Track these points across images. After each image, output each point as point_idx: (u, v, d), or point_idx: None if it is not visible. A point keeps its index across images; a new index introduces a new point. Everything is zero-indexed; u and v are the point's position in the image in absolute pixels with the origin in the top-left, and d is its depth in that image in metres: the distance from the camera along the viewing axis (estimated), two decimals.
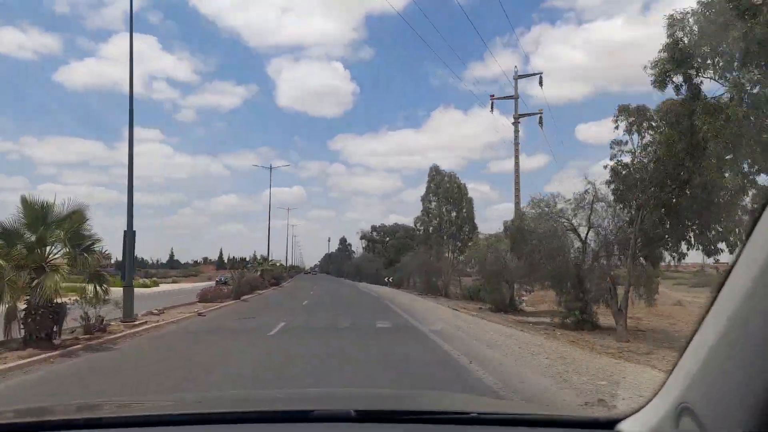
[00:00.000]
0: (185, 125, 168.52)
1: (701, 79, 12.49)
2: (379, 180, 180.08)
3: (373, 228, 79.42)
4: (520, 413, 1.83)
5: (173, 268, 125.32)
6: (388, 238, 72.88)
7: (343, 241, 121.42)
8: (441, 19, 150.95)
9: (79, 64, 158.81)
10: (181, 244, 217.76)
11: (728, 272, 1.00)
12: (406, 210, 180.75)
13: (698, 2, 11.91)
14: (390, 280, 52.79)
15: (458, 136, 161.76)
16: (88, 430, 1.57)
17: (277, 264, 60.28)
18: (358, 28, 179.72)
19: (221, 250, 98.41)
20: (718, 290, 1.03)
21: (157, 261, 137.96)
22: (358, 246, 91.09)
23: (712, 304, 1.04)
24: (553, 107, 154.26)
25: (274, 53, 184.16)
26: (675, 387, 1.15)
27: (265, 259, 52.32)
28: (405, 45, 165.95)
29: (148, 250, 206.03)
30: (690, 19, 12.09)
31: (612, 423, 1.46)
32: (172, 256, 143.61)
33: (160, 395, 5.44)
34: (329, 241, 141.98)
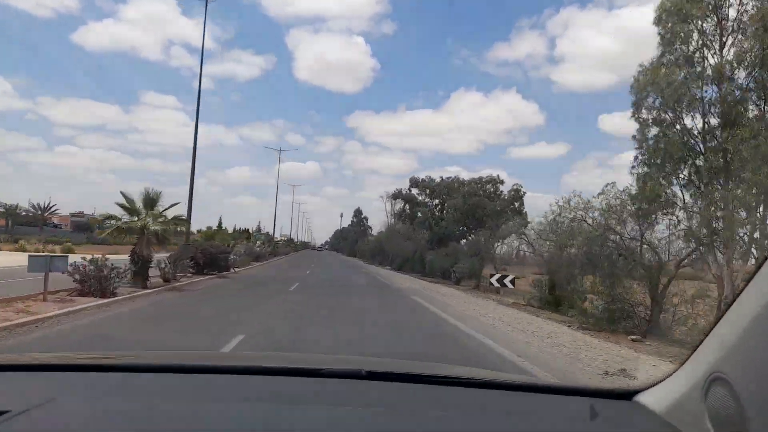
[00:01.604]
0: (202, 94, 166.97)
1: None
2: (395, 159, 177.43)
3: (416, 183, 47.91)
4: (533, 382, 1.84)
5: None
6: (442, 199, 44.53)
7: (357, 213, 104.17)
8: None
9: (98, 25, 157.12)
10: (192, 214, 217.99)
11: None
12: None
13: None
14: (454, 271, 29.80)
15: (477, 119, 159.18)
16: (100, 373, 1.65)
17: (252, 242, 52.21)
18: (381, 1, 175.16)
19: (220, 219, 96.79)
20: (762, 262, 1.01)
21: None
22: (377, 218, 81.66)
23: (756, 272, 1.02)
24: (576, 95, 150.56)
25: (293, 23, 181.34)
26: (706, 357, 1.13)
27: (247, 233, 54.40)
28: (428, 22, 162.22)
29: None
30: None
31: (630, 394, 1.45)
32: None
33: (177, 351, 5.65)
34: (341, 216, 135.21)
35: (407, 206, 50.06)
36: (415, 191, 48.32)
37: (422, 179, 47.25)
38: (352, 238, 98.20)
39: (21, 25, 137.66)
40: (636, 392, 1.44)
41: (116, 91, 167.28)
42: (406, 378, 1.67)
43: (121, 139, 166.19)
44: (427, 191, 46.59)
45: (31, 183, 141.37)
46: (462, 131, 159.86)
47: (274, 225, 68.40)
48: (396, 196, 52.18)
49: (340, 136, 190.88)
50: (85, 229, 70.21)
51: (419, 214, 46.24)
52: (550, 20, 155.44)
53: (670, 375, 1.31)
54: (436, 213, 44.58)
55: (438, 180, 45.87)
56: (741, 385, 0.98)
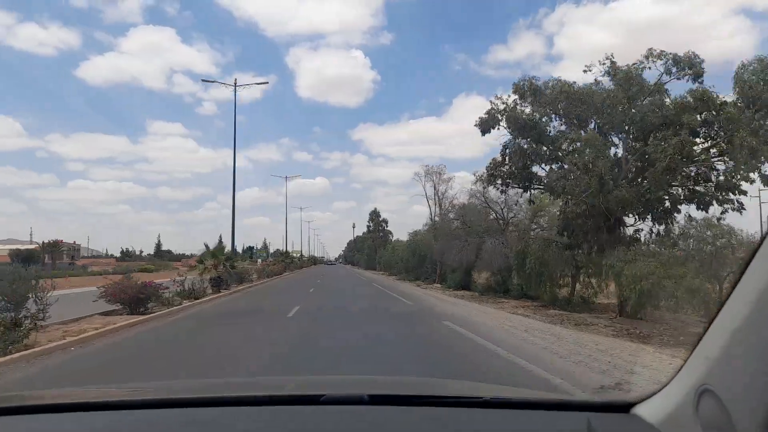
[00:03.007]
0: (207, 119, 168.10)
1: None
2: (401, 169, 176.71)
3: (535, 90, 18.15)
4: (533, 398, 1.80)
5: (162, 258, 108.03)
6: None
7: (374, 216, 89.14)
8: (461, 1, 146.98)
9: (100, 59, 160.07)
10: (206, 237, 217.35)
11: (754, 252, 0.99)
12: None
13: None
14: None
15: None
16: (97, 412, 1.63)
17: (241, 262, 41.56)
18: (377, 14, 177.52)
19: (220, 237, 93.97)
20: (743, 271, 1.01)
21: (141, 252, 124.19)
22: (398, 221, 65.57)
23: (736, 284, 1.02)
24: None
25: (292, 42, 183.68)
26: (695, 370, 1.14)
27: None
28: (425, 30, 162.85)
29: (174, 243, 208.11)
30: None
31: (627, 406, 1.46)
32: (159, 245, 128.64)
33: (164, 381, 5.52)
34: (354, 227, 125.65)
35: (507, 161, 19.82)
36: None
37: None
38: (370, 247, 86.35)
39: (25, 65, 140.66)
40: (632, 404, 1.44)
41: (122, 123, 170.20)
42: (407, 401, 1.67)
43: (131, 170, 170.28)
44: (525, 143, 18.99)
45: (46, 219, 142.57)
46: (466, 136, 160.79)
47: (285, 243, 68.20)
48: (487, 123, 19.57)
49: (346, 150, 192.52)
50: None
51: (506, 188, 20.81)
52: (546, 19, 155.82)
53: (665, 386, 1.30)
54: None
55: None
56: (728, 398, 0.99)
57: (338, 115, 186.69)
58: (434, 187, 41.60)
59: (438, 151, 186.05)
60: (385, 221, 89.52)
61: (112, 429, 1.49)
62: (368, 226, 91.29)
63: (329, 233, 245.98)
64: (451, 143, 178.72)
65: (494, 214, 27.36)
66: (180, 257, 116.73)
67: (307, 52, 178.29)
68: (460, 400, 1.68)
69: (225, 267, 24.68)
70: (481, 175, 22.64)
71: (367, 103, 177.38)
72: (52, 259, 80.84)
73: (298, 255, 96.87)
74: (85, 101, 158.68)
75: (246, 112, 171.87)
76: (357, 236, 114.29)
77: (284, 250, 68.44)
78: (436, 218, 39.43)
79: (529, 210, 25.14)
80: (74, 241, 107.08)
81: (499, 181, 20.49)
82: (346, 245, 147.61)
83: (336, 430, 1.44)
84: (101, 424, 1.51)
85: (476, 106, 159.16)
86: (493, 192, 24.55)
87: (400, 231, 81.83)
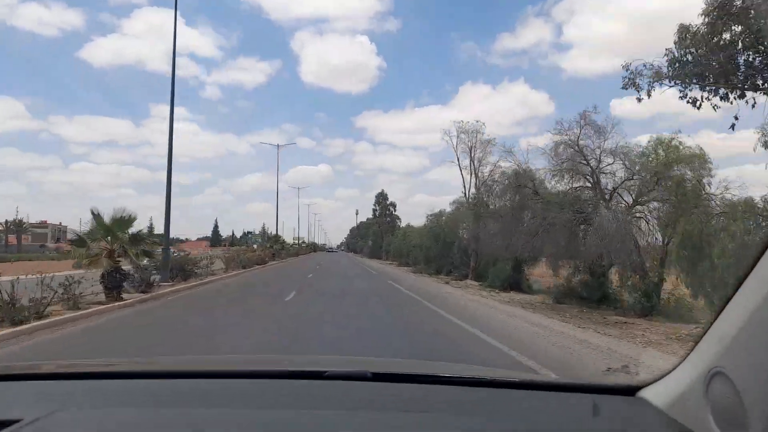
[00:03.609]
0: (210, 103, 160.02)
1: None
2: (405, 157, 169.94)
3: None
4: (538, 380, 1.80)
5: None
6: None
7: (381, 198, 79.79)
8: None
9: (103, 40, 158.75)
10: (206, 224, 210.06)
11: None
12: (433, 189, 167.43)
13: None
14: None
15: (487, 112, 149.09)
16: (106, 380, 1.69)
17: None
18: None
19: (216, 222, 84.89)
20: (762, 250, 0.99)
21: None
22: (406, 208, 59.79)
23: (753, 266, 1.00)
24: (587, 81, 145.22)
25: (297, 26, 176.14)
26: (707, 352, 1.12)
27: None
28: (432, 17, 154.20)
29: (175, 227, 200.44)
30: None
31: (633, 390, 1.44)
32: (151, 228, 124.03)
33: (179, 356, 5.36)
34: (357, 213, 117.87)
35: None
36: None
37: None
38: (375, 233, 76.45)
39: (28, 45, 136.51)
40: (639, 388, 1.43)
41: (126, 106, 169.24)
42: (411, 379, 1.66)
43: (134, 153, 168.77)
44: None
45: (48, 201, 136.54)
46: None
47: (277, 227, 60.90)
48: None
49: (350, 137, 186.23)
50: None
51: None
52: (555, 7, 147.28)
53: (673, 370, 1.29)
54: None
55: None
56: (741, 380, 0.97)
57: (342, 101, 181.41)
58: (470, 152, 29.82)
59: (443, 140, 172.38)
60: (393, 205, 78.60)
61: (126, 393, 1.53)
62: (374, 210, 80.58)
63: (332, 221, 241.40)
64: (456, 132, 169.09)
65: (588, 177, 16.50)
66: (177, 241, 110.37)
67: (311, 37, 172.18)
68: (465, 380, 1.67)
69: (132, 254, 14.16)
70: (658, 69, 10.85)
71: (372, 90, 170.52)
72: (18, 239, 76.49)
73: (297, 241, 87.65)
74: (88, 83, 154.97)
75: (250, 96, 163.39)
76: (360, 222, 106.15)
77: (275, 233, 58.51)
78: (472, 192, 28.78)
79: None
80: (60, 223, 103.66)
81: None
82: (348, 232, 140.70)
83: (340, 403, 1.44)
84: (110, 392, 1.54)
85: (482, 95, 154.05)
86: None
87: (403, 220, 74.38)
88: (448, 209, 33.55)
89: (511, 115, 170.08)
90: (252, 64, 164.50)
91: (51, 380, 1.66)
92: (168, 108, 20.62)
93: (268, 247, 50.12)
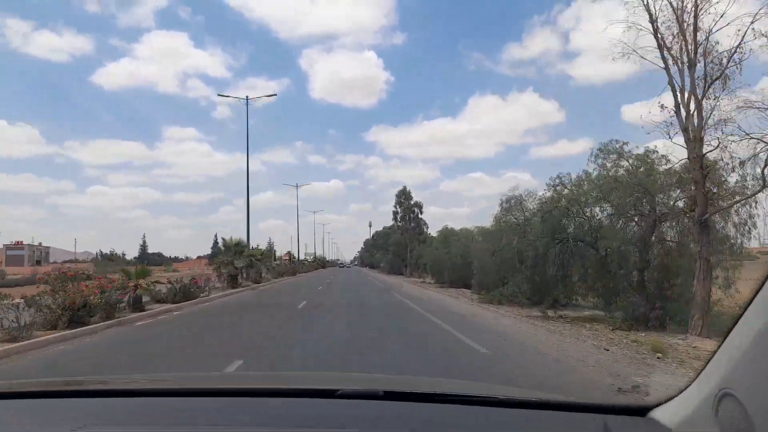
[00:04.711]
0: (221, 123, 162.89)
1: None
2: (416, 170, 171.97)
3: None
4: (550, 399, 1.78)
5: (150, 263, 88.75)
6: None
7: (404, 197, 59.98)
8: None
9: (115, 65, 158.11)
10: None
11: None
12: (446, 201, 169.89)
13: None
14: None
15: (496, 123, 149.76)
16: (103, 398, 1.69)
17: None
18: (389, 14, 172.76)
19: (216, 236, 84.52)
20: None
21: (122, 254, 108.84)
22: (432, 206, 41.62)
23: (760, 288, 1.00)
24: (596, 88, 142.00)
25: (305, 44, 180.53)
26: (716, 373, 1.11)
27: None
28: (438, 29, 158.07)
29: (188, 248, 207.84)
30: None
31: (644, 410, 1.43)
32: (144, 247, 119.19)
33: (186, 373, 5.57)
34: (370, 226, 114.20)
35: None
36: None
37: None
38: (397, 243, 60.77)
39: (41, 72, 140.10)
40: (649, 408, 1.41)
41: (138, 128, 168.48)
42: (423, 398, 1.66)
43: (147, 175, 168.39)
44: None
45: (65, 225, 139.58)
46: (481, 136, 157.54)
47: (298, 247, 58.99)
48: None
49: (360, 152, 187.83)
50: None
51: None
52: (561, 15, 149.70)
53: (683, 390, 1.28)
54: None
55: None
56: (750, 402, 0.96)
57: (352, 116, 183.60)
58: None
59: (453, 152, 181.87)
60: (419, 206, 58.97)
61: (133, 414, 1.52)
62: (394, 213, 61.14)
63: (345, 236, 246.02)
64: (467, 143, 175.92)
65: None
66: (173, 260, 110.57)
67: (319, 54, 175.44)
68: (476, 399, 1.66)
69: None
70: None
71: (381, 104, 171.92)
72: None
73: (291, 257, 76.10)
74: (101, 107, 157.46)
75: (260, 115, 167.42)
76: (376, 231, 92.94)
77: (297, 254, 58.67)
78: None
79: None
80: (40, 243, 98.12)
81: None
82: (362, 246, 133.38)
83: (353, 422, 1.43)
84: (121, 410, 1.55)
85: (491, 106, 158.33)
86: None
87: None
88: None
89: (521, 124, 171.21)
90: (261, 83, 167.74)
91: (58, 398, 1.67)
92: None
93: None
